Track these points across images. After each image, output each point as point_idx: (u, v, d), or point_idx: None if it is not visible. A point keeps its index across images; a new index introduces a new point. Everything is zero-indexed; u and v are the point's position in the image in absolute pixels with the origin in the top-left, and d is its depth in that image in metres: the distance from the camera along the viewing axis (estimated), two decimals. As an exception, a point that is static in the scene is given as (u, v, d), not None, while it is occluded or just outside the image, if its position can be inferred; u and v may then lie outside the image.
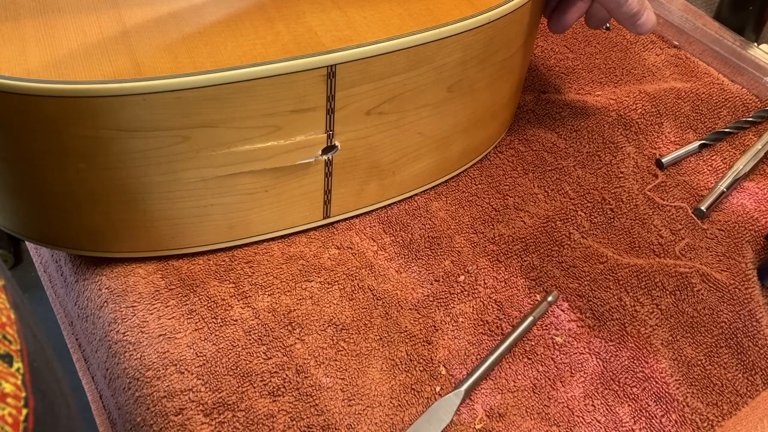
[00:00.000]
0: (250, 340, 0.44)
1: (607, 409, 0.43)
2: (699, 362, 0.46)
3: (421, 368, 0.44)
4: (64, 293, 0.52)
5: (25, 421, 0.23)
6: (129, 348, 0.44)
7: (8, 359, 0.24)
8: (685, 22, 0.67)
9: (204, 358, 0.43)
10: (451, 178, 0.55)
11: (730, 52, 0.65)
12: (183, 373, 0.42)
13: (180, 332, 0.44)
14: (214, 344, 0.44)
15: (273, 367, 0.43)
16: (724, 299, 0.49)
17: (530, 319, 0.46)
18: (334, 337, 0.45)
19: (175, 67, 0.39)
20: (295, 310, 0.46)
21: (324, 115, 0.43)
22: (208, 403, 0.42)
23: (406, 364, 0.45)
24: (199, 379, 0.42)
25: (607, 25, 0.69)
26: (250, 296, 0.47)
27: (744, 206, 0.55)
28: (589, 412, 0.43)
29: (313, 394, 0.43)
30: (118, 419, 0.45)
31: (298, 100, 0.42)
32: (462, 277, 0.49)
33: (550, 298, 0.48)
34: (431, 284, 0.49)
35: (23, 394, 0.23)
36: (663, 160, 0.57)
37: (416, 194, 0.54)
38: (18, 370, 0.24)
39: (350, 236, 0.51)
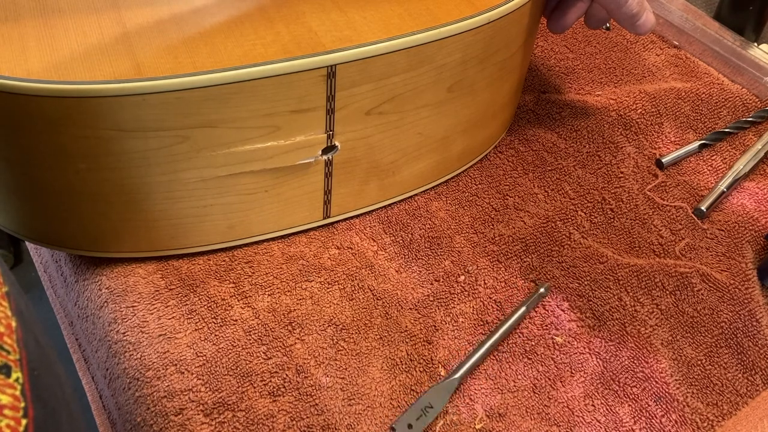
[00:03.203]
0: (250, 340, 0.44)
1: (607, 409, 0.43)
2: (699, 362, 0.46)
3: (421, 368, 0.44)
4: (64, 293, 0.52)
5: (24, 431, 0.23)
6: (129, 348, 0.44)
7: (6, 370, 0.24)
8: (685, 22, 0.67)
9: (204, 358, 0.43)
10: (451, 178, 0.55)
11: (730, 52, 0.65)
12: (183, 373, 0.42)
13: (180, 332, 0.44)
14: (214, 344, 0.44)
15: (273, 367, 0.43)
16: (724, 299, 0.49)
17: (522, 309, 0.46)
18: (334, 337, 0.45)
19: (175, 68, 0.39)
20: (295, 310, 0.46)
21: (324, 115, 0.43)
22: (208, 403, 0.42)
23: (406, 364, 0.45)
24: (199, 379, 0.42)
25: (607, 25, 0.69)
26: (250, 296, 0.47)
27: (744, 206, 0.55)
28: (589, 412, 0.43)
29: (313, 394, 0.43)
30: (118, 419, 0.45)
31: (298, 100, 0.42)
32: (462, 277, 0.49)
33: (541, 290, 0.48)
34: (431, 284, 0.49)
35: (22, 405, 0.23)
36: (663, 160, 0.57)
37: (416, 194, 0.54)
38: (17, 380, 0.24)
39: (350, 236, 0.51)
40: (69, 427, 0.26)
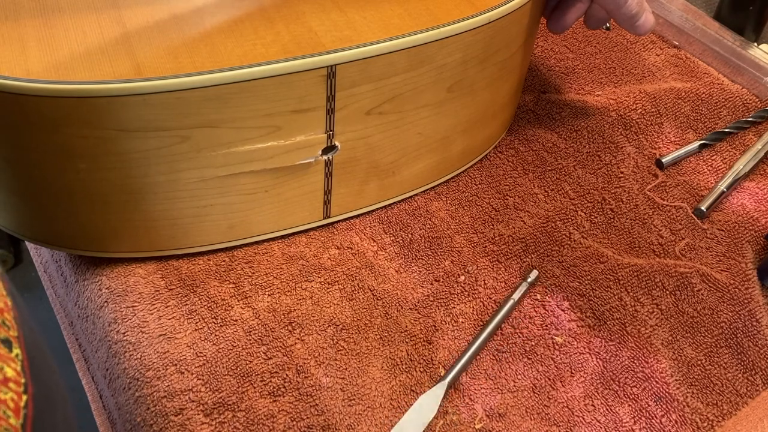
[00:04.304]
0: (250, 340, 0.44)
1: (607, 409, 0.43)
2: (699, 362, 0.46)
3: (421, 368, 0.44)
4: (64, 293, 0.52)
5: (25, 407, 0.23)
6: (129, 348, 0.44)
7: (8, 344, 0.24)
8: (685, 22, 0.67)
9: (204, 358, 0.43)
10: (451, 178, 0.55)
11: (730, 52, 0.65)
12: (183, 373, 0.42)
13: (180, 332, 0.44)
14: (214, 344, 0.44)
15: (273, 367, 0.43)
16: (724, 299, 0.49)
17: (510, 302, 0.46)
18: (334, 337, 0.45)
19: (175, 68, 0.39)
20: (295, 310, 0.46)
21: (324, 115, 0.43)
22: (208, 403, 0.42)
23: (406, 364, 0.45)
24: (199, 379, 0.42)
25: (607, 25, 0.69)
26: (250, 296, 0.47)
27: (744, 206, 0.55)
28: (589, 412, 0.43)
29: (313, 394, 0.43)
30: (118, 419, 0.45)
31: (298, 100, 0.42)
32: (462, 277, 0.49)
33: (530, 279, 0.48)
34: (431, 284, 0.49)
35: (23, 380, 0.23)
36: (663, 160, 0.57)
37: (416, 194, 0.54)
38: (17, 356, 0.24)
39: (350, 236, 0.51)
40: (63, 411, 0.26)
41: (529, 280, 0.48)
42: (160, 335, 0.44)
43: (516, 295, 0.47)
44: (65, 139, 0.39)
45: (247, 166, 0.43)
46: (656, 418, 0.43)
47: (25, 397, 0.23)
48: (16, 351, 0.24)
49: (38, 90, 0.36)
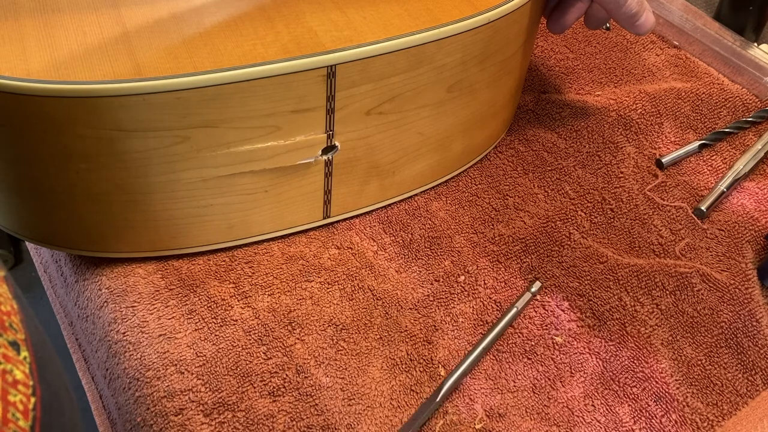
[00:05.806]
0: (250, 340, 0.44)
1: (607, 409, 0.43)
2: (699, 362, 0.46)
3: (421, 368, 0.44)
4: (64, 293, 0.52)
5: (33, 410, 0.23)
6: (129, 348, 0.44)
7: (16, 347, 0.24)
8: (685, 22, 0.67)
9: (204, 358, 0.43)
10: (451, 178, 0.55)
11: (730, 52, 0.65)
12: (183, 373, 0.42)
13: (180, 332, 0.44)
14: (214, 344, 0.44)
15: (273, 367, 0.43)
16: (724, 299, 0.49)
17: (512, 311, 0.46)
18: (334, 337, 0.45)
19: (175, 68, 0.39)
20: (295, 310, 0.46)
21: (324, 115, 0.43)
22: (208, 403, 0.42)
23: (406, 363, 0.45)
24: (199, 379, 0.42)
25: (607, 25, 0.69)
26: (250, 296, 0.47)
27: (744, 206, 0.55)
28: (589, 412, 0.43)
29: (313, 394, 0.43)
30: (118, 419, 0.45)
31: (298, 100, 0.42)
32: (462, 277, 0.49)
33: (533, 289, 0.48)
34: (431, 284, 0.49)
35: (31, 383, 0.24)
36: (663, 160, 0.57)
37: (416, 194, 0.54)
38: (25, 358, 0.24)
39: (350, 236, 0.51)
40: (70, 413, 0.26)
41: (532, 290, 0.48)
42: (160, 335, 0.44)
43: (519, 304, 0.47)
44: (65, 139, 0.39)
45: (247, 166, 0.44)
46: (656, 418, 0.43)
47: (33, 400, 0.23)
48: (24, 353, 0.24)
49: (38, 90, 0.36)
